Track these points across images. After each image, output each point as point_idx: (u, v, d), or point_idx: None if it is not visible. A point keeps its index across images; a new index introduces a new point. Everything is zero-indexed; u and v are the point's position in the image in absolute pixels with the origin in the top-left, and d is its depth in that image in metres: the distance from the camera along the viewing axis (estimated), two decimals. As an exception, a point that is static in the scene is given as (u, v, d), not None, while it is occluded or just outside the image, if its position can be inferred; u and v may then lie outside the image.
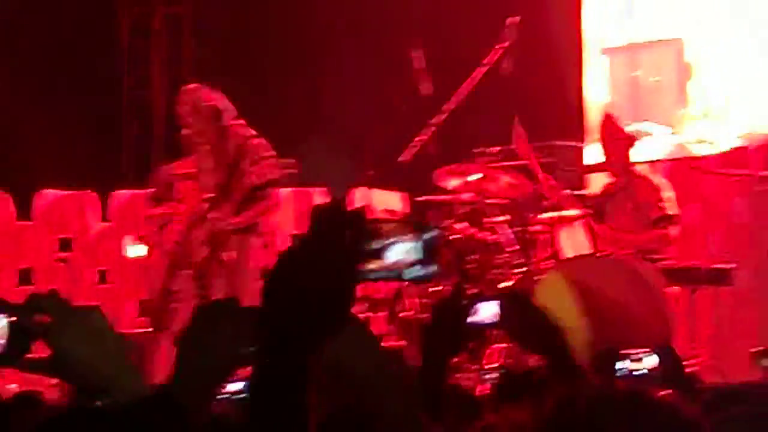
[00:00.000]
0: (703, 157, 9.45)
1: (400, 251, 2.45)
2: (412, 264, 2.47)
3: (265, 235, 8.43)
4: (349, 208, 2.20)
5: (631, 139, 8.47)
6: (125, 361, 2.12)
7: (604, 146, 8.46)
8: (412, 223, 2.46)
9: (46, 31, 11.01)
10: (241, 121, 8.18)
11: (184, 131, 8.19)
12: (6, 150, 10.49)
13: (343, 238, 2.15)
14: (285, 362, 2.08)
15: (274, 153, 8.23)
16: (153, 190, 8.28)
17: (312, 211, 2.25)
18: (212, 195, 8.17)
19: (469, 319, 3.23)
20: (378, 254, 2.44)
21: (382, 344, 8.49)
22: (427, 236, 2.50)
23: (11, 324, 2.21)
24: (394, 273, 2.43)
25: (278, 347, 2.09)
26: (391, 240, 2.45)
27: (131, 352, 2.16)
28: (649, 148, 9.93)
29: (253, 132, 8.24)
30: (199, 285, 8.31)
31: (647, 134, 10.12)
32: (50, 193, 9.96)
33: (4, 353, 2.20)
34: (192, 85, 8.35)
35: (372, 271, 2.38)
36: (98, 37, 11.33)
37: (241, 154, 8.11)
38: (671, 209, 8.30)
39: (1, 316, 2.24)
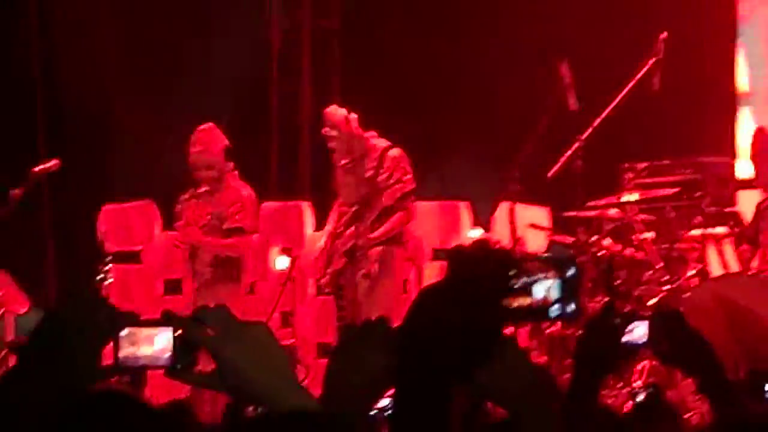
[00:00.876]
0: None
1: (544, 289, 2.41)
2: (556, 302, 2.42)
3: (407, 246, 8.52)
4: (493, 248, 2.23)
5: None
6: (289, 375, 2.16)
7: (756, 162, 8.32)
8: (553, 259, 2.45)
9: (196, 42, 11.24)
10: (374, 133, 8.33)
11: (330, 146, 8.48)
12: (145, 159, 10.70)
13: (487, 277, 2.17)
14: (426, 394, 2.11)
15: (410, 164, 8.36)
16: None
17: (452, 250, 2.27)
18: (354, 209, 8.31)
19: (624, 339, 3.20)
20: (524, 292, 2.41)
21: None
22: (569, 274, 2.45)
23: (177, 337, 2.27)
24: (540, 311, 2.40)
25: (420, 380, 2.13)
26: (534, 278, 2.41)
27: (294, 366, 2.20)
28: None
29: (389, 143, 8.38)
30: (337, 296, 8.46)
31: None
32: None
33: (171, 365, 2.27)
34: (332, 107, 8.60)
35: (520, 309, 2.36)
36: (249, 46, 11.52)
37: (378, 167, 8.24)
38: None
39: (168, 329, 2.30)
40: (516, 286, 2.42)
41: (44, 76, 10.82)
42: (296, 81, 11.72)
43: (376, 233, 8.27)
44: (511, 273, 2.39)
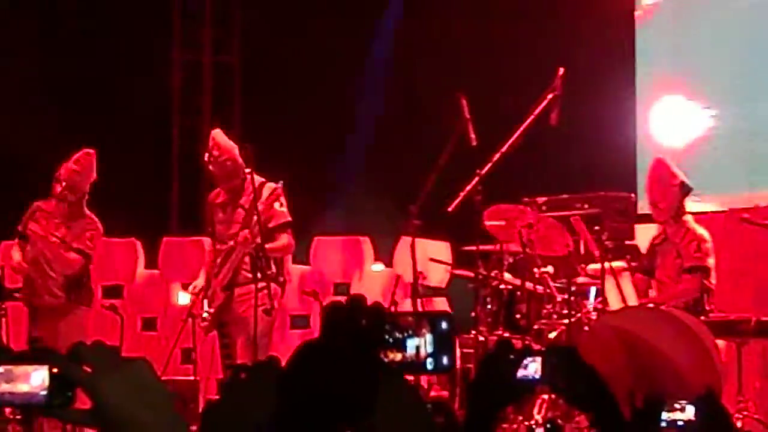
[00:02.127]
0: (753, 209, 9.39)
1: (416, 344, 2.55)
2: (430, 356, 2.57)
3: (284, 286, 8.48)
4: (366, 304, 2.30)
5: (684, 186, 8.41)
6: (169, 413, 2.11)
7: (652, 190, 8.42)
8: (427, 315, 2.57)
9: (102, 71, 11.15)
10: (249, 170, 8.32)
11: (211, 169, 8.58)
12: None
13: (361, 331, 2.25)
14: None
15: (282, 198, 8.35)
16: None
17: (325, 309, 2.34)
18: (230, 244, 8.30)
19: (519, 374, 3.20)
20: (397, 347, 2.55)
21: (425, 396, 8.50)
22: (442, 328, 2.58)
23: (53, 374, 2.21)
24: (415, 365, 2.55)
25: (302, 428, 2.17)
26: (407, 333, 2.55)
27: (176, 404, 2.15)
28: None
29: (263, 180, 8.36)
30: (221, 334, 8.47)
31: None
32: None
33: (47, 404, 2.20)
34: (217, 130, 8.59)
35: (396, 363, 2.51)
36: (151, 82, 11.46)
37: (255, 199, 8.22)
38: (704, 261, 8.24)
39: (43, 366, 2.24)
40: (390, 341, 2.54)
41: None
42: (197, 117, 11.69)
43: (267, 245, 8.20)
44: (386, 328, 2.50)
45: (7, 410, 8.09)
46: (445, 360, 2.59)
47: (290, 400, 2.25)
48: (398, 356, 2.52)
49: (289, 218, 8.44)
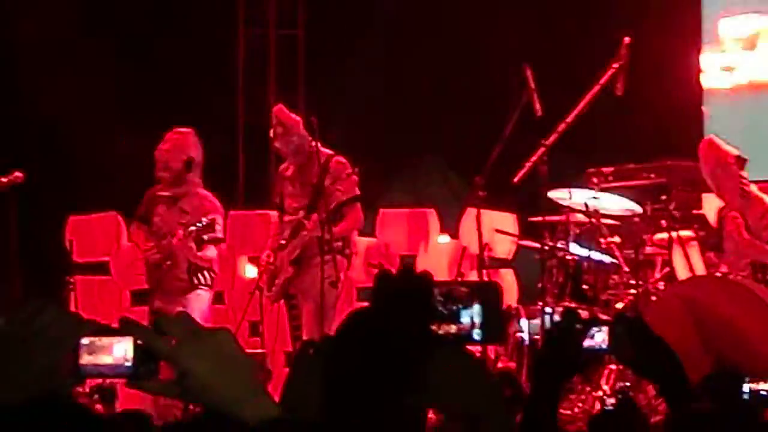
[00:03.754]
0: None
1: (468, 315, 2.57)
2: (480, 327, 2.58)
3: (351, 259, 8.52)
4: (417, 274, 2.31)
5: (740, 161, 8.22)
6: (252, 383, 2.17)
7: (712, 175, 8.24)
8: (476, 285, 2.58)
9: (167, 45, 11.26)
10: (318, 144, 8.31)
11: (275, 146, 8.59)
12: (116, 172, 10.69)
13: (411, 303, 2.26)
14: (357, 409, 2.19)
15: (355, 171, 8.37)
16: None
17: (376, 278, 2.35)
18: (299, 215, 8.34)
19: (586, 344, 3.22)
20: (450, 318, 2.57)
21: (493, 366, 8.51)
22: (491, 299, 2.60)
23: (137, 347, 2.27)
24: (465, 336, 2.57)
25: (351, 395, 2.21)
26: (461, 305, 2.57)
27: (259, 374, 2.21)
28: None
29: (333, 152, 8.40)
30: (289, 306, 8.53)
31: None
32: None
33: (131, 375, 2.27)
34: (280, 105, 8.61)
35: (450, 334, 2.53)
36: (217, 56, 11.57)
37: (323, 173, 8.24)
38: None
39: (128, 338, 2.30)
40: (442, 312, 2.55)
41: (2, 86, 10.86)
42: (262, 88, 11.76)
43: (327, 234, 8.24)
44: (438, 299, 2.52)
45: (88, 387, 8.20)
46: (492, 331, 2.61)
47: (338, 370, 2.27)
48: (453, 328, 2.54)
49: (358, 192, 8.47)
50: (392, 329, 2.27)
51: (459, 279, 9.03)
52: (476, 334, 2.64)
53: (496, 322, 2.69)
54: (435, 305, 2.50)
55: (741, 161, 8.24)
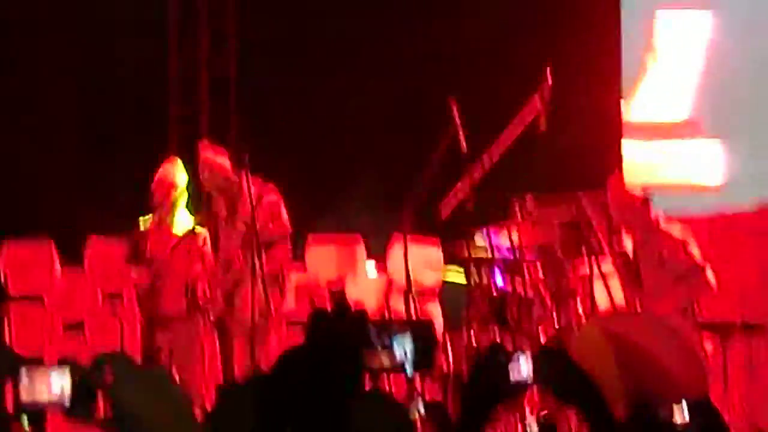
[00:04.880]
0: (739, 215, 9.55)
1: (401, 347, 2.66)
2: (412, 358, 2.67)
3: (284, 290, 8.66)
4: (351, 309, 2.40)
5: (646, 199, 8.44)
6: (187, 418, 2.23)
7: (620, 216, 8.46)
8: (409, 321, 2.69)
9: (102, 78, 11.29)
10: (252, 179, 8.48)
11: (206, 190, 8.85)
12: (49, 195, 10.71)
13: (345, 336, 2.35)
14: None
15: (285, 208, 8.59)
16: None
17: (312, 313, 2.44)
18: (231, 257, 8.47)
19: (510, 375, 3.32)
20: (383, 350, 2.65)
21: (419, 397, 8.59)
22: (423, 333, 2.70)
23: (76, 381, 2.34)
24: (398, 367, 2.66)
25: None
26: (392, 338, 2.67)
27: (193, 408, 2.27)
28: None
29: (263, 183, 8.60)
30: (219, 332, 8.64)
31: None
32: (98, 240, 10.16)
33: (69, 410, 2.33)
34: (207, 152, 8.79)
35: (383, 367, 2.61)
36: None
37: (254, 210, 8.40)
38: (697, 258, 8.32)
39: (66, 372, 2.36)
40: (376, 345, 2.64)
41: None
42: (194, 123, 11.85)
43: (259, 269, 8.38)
44: (371, 332, 2.61)
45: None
46: (423, 362, 2.69)
47: (272, 405, 2.34)
48: (386, 361, 2.62)
49: (289, 228, 8.70)
50: (328, 370, 2.34)
51: (387, 307, 9.16)
52: (408, 364, 2.74)
53: (428, 355, 2.79)
54: (370, 338, 2.59)
55: (647, 199, 8.45)
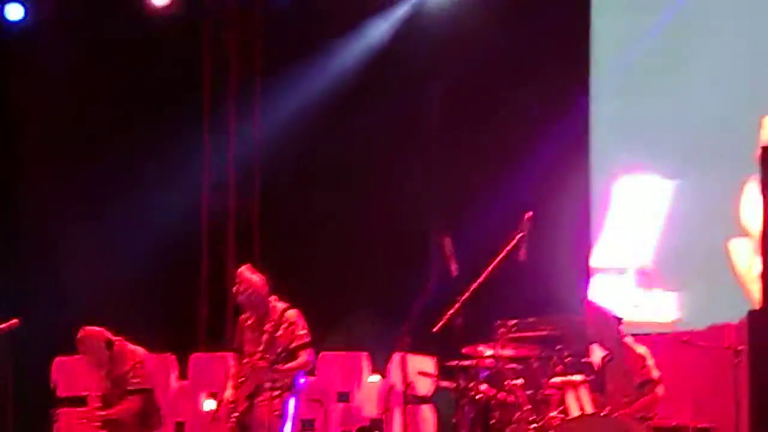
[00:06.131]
0: (691, 332, 10.58)
1: None
2: None
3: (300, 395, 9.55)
4: None
5: (618, 320, 9.30)
6: None
7: (595, 329, 9.19)
8: None
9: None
10: (275, 297, 9.45)
11: (239, 301, 9.74)
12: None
13: None
14: None
15: (305, 322, 9.50)
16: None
17: None
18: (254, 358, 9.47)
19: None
20: None
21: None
22: None
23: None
24: None
25: None
26: None
27: None
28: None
29: (287, 305, 9.60)
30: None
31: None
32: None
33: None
34: (244, 267, 9.79)
35: None
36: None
37: (277, 324, 9.45)
38: (652, 374, 9.12)
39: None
40: None
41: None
42: (223, 247, 12.81)
43: (280, 366, 9.35)
44: None
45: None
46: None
47: None
48: None
49: (309, 339, 9.55)
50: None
51: (386, 412, 10.12)
52: None
53: None
54: None
55: (618, 318, 9.42)
